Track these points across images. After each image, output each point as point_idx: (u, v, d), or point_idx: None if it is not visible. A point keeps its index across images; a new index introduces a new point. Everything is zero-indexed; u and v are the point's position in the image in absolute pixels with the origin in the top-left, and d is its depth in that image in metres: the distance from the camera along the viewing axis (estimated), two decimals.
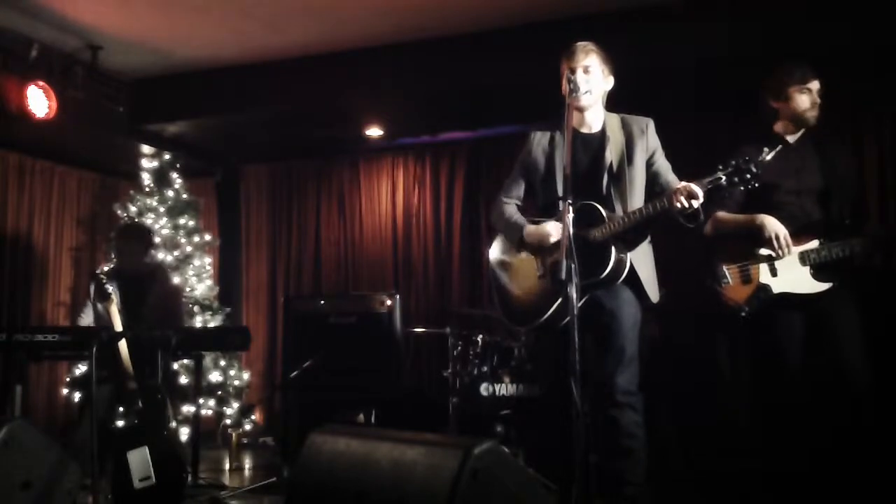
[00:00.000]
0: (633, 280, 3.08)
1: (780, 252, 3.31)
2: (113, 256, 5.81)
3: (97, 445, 3.34)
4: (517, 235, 3.23)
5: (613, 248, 2.99)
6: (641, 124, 3.19)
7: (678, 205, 2.87)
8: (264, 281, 7.22)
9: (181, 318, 4.93)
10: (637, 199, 3.10)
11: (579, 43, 3.13)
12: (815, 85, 3.45)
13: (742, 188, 2.85)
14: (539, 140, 3.26)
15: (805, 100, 3.45)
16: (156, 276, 4.83)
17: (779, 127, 3.52)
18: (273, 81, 5.68)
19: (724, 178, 2.84)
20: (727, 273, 3.45)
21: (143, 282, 4.67)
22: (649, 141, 3.17)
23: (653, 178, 3.16)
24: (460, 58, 5.22)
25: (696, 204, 2.87)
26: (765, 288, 3.36)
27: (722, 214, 3.50)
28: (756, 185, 2.84)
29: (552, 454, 3.31)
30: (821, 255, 3.32)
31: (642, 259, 3.11)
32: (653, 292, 3.13)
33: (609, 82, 3.19)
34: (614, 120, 3.21)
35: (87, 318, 4.56)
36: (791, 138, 3.51)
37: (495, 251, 3.37)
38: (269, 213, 7.27)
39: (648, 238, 3.16)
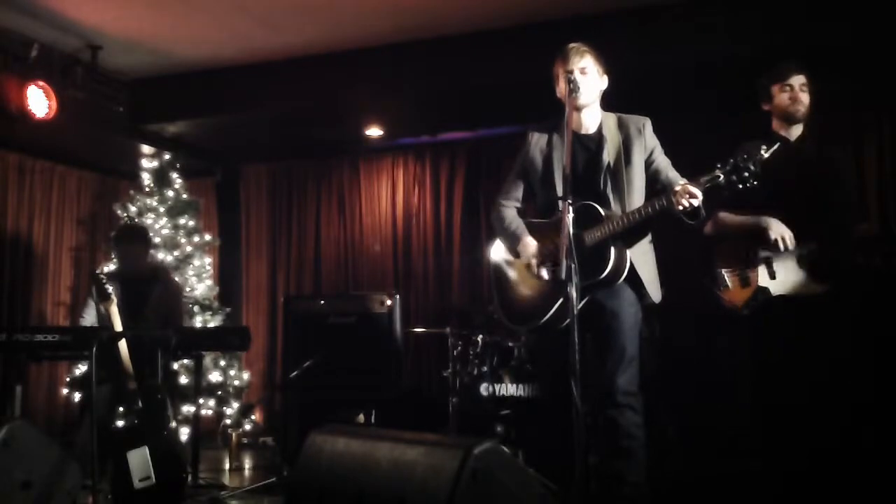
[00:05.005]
0: (634, 280, 3.07)
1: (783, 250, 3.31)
2: (114, 258, 5.81)
3: (97, 445, 3.34)
4: (514, 247, 3.22)
5: (613, 248, 2.98)
6: (639, 124, 3.18)
7: (678, 205, 2.87)
8: (264, 281, 7.21)
9: (182, 318, 4.93)
10: (636, 198, 3.10)
11: (572, 45, 3.12)
12: (796, 80, 3.45)
13: (741, 186, 2.83)
14: (537, 141, 3.25)
15: (784, 97, 3.46)
16: (157, 275, 4.82)
17: (775, 126, 3.53)
18: (273, 81, 5.68)
19: (722, 176, 2.83)
20: (726, 277, 3.44)
21: (145, 282, 4.67)
22: (647, 140, 3.16)
23: (653, 177, 3.16)
24: (460, 58, 5.21)
25: (695, 203, 2.87)
26: (763, 290, 3.35)
27: (724, 214, 3.50)
28: (755, 183, 2.82)
29: (552, 454, 3.30)
30: (819, 256, 3.32)
31: (643, 258, 3.10)
32: (654, 292, 3.12)
33: (604, 81, 3.18)
34: (611, 120, 3.20)
35: (89, 318, 4.55)
36: (791, 135, 3.50)
37: (495, 252, 3.35)
38: (269, 213, 7.27)
39: (650, 237, 3.15)
